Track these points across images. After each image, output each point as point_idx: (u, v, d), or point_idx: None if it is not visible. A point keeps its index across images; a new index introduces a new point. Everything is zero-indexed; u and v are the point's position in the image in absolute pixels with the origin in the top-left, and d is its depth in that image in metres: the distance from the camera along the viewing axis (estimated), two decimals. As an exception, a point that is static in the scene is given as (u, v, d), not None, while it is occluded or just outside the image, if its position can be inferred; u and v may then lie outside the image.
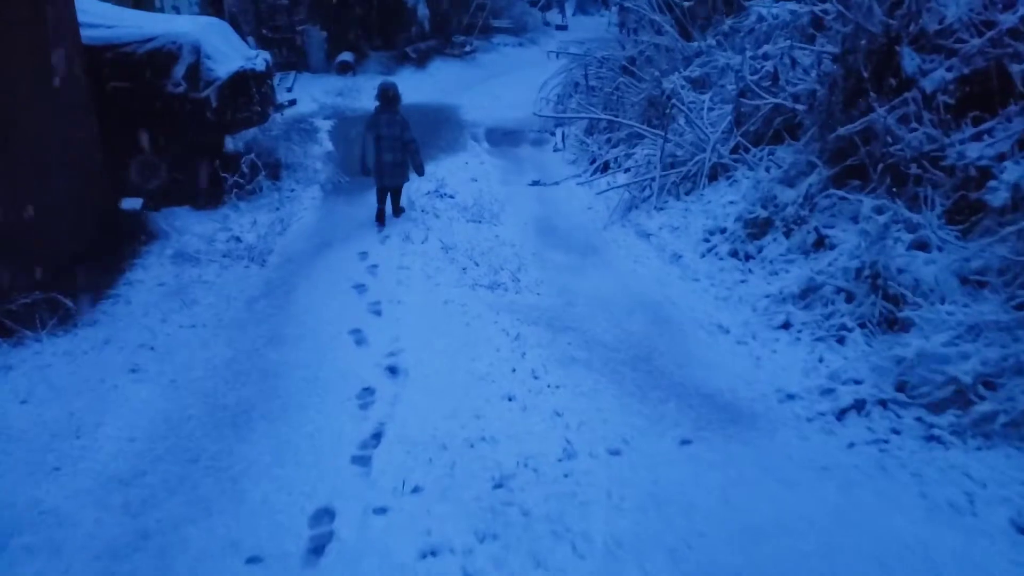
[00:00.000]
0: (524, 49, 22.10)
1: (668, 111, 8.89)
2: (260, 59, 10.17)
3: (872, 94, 5.58)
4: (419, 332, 5.60)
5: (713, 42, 10.49)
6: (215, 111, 9.04)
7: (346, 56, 18.99)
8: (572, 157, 11.65)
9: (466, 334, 5.55)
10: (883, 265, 4.75)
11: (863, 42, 5.89)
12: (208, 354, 5.46)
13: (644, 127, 8.96)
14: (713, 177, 7.91)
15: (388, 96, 8.35)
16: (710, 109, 9.26)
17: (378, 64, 19.27)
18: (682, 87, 9.97)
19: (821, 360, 4.70)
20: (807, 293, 5.26)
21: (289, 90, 17.51)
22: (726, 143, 8.08)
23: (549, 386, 4.68)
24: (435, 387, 4.73)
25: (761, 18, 10.35)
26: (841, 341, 4.78)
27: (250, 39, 19.00)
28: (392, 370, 5.02)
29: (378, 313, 6.07)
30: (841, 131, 5.70)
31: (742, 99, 8.11)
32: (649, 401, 4.55)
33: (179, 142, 9.09)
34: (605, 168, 10.28)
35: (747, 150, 7.97)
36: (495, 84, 17.88)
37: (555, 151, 12.36)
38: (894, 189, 5.49)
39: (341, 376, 5.04)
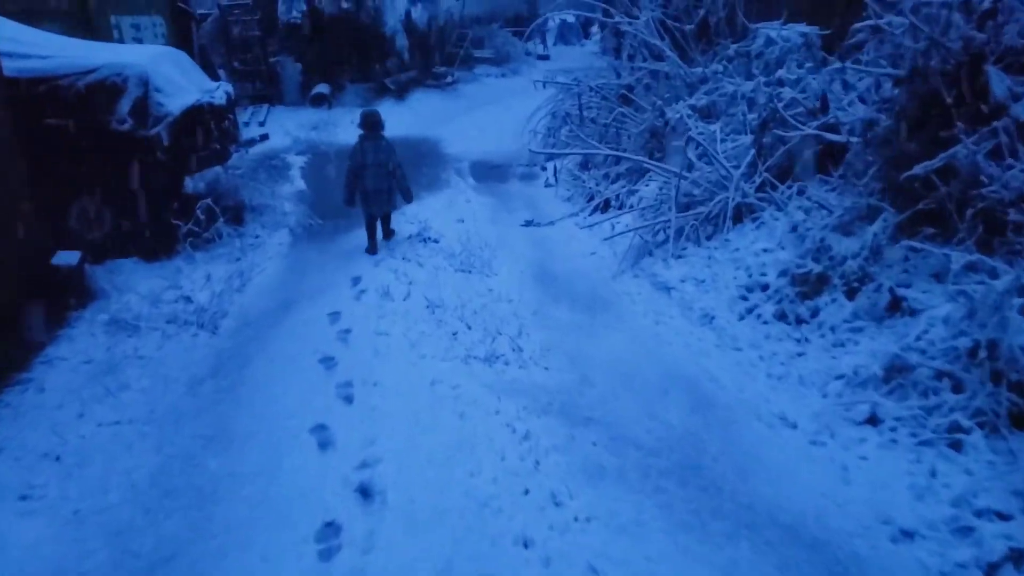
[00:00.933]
0: (507, 79, 21.04)
1: (683, 144, 7.71)
2: (220, 91, 8.93)
3: (957, 124, 4.42)
4: (400, 428, 4.33)
5: (719, 67, 9.37)
6: (167, 150, 7.80)
7: (322, 88, 17.80)
8: (566, 193, 10.46)
9: (461, 430, 4.29)
10: (1007, 345, 3.56)
11: (934, 62, 4.74)
12: (130, 464, 4.17)
13: (656, 163, 7.78)
14: (737, 219, 6.73)
15: (371, 122, 7.90)
16: (721, 140, 8.13)
17: (356, 96, 18.09)
18: (688, 116, 8.84)
19: (934, 475, 3.48)
20: (893, 375, 4.06)
21: (262, 124, 16.30)
22: (748, 179, 6.91)
23: (577, 519, 3.42)
24: (422, 521, 3.46)
25: (770, 41, 9.26)
26: (957, 447, 3.58)
27: (221, 71, 17.79)
28: (365, 492, 3.75)
29: (349, 399, 4.80)
30: (918, 169, 4.52)
31: (767, 130, 6.96)
32: (712, 539, 3.31)
33: (125, 186, 7.83)
34: (606, 207, 9.10)
35: (773, 187, 6.82)
36: (479, 116, 16.74)
37: (547, 187, 11.18)
38: (986, 239, 4.31)
39: (299, 497, 3.77)
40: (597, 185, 9.71)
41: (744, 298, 5.50)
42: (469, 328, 5.86)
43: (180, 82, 8.28)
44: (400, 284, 7.00)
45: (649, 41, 9.67)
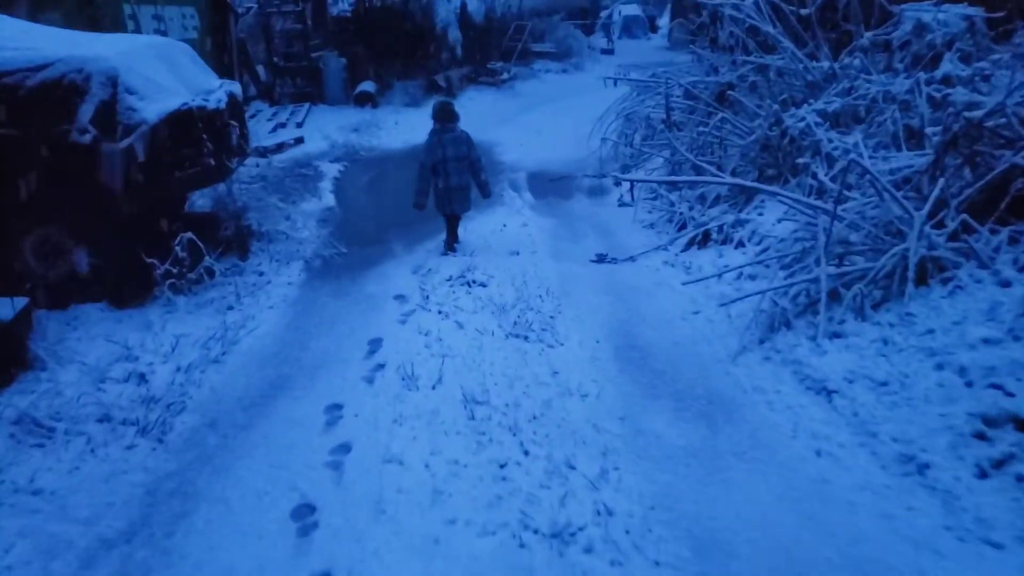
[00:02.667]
0: (569, 76, 18.85)
1: (813, 163, 5.50)
2: (220, 92, 6.99)
3: None
4: None
5: (855, 61, 7.07)
6: (143, 168, 5.89)
7: (366, 86, 15.88)
8: (647, 217, 8.29)
9: None
10: None
11: None
12: None
13: (796, 196, 5.53)
14: (920, 279, 4.49)
15: (447, 112, 7.12)
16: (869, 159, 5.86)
17: (403, 94, 16.13)
18: (816, 125, 6.58)
19: None
20: None
21: (299, 125, 14.45)
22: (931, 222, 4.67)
23: None
24: None
25: (921, 27, 6.94)
26: None
27: (260, 68, 16.01)
28: None
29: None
30: None
31: (955, 148, 4.70)
32: None
33: (91, 213, 5.98)
34: (705, 240, 6.87)
35: (968, 231, 4.57)
36: (537, 116, 14.61)
37: (621, 206, 9.01)
38: None
39: None
40: (690, 209, 7.48)
41: (981, 436, 3.28)
42: (526, 454, 3.77)
43: (165, 81, 6.36)
44: (430, 358, 4.95)
45: (762, 28, 7.40)
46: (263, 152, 12.07)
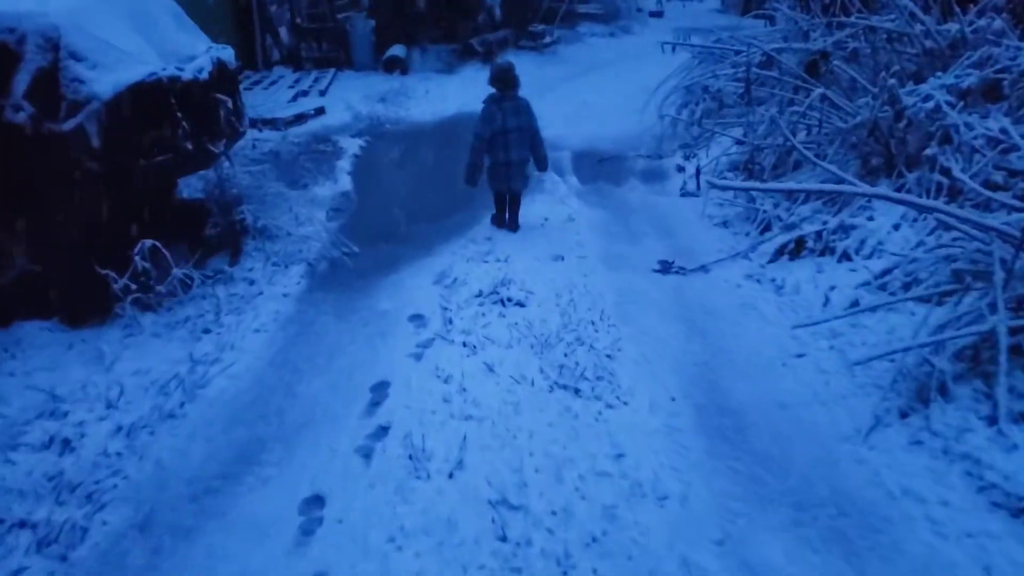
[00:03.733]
0: (616, 40, 17.22)
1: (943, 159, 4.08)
2: (205, 59, 5.70)
3: None
4: None
5: (995, 23, 5.54)
6: (97, 154, 4.65)
7: (396, 51, 14.48)
8: (718, 211, 6.85)
9: None
10: None
11: None
12: None
13: (967, 214, 4.04)
14: None
15: (508, 78, 6.09)
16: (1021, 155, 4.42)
17: (436, 60, 14.72)
18: (946, 104, 5.10)
19: None
20: None
21: (323, 93, 13.13)
22: None
23: None
24: None
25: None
26: None
27: (282, 30, 14.69)
28: None
29: None
30: None
31: None
32: None
33: (33, 210, 4.78)
34: (798, 248, 5.44)
35: None
36: (582, 85, 13.09)
37: (684, 195, 7.56)
38: None
39: None
40: (775, 206, 6.04)
41: None
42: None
43: (128, 44, 5.08)
44: (449, 420, 3.68)
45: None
46: (280, 125, 10.81)
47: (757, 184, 5.46)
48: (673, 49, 10.09)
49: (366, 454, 3.51)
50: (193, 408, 3.99)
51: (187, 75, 5.26)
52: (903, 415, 3.39)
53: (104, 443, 3.59)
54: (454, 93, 12.99)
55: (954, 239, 4.09)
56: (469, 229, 6.87)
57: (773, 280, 5.23)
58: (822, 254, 5.30)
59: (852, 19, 6.38)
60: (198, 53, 5.81)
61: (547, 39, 15.64)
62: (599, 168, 8.85)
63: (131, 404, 3.93)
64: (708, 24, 15.69)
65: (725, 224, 6.55)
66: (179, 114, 5.16)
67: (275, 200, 7.19)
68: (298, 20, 14.80)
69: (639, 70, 13.64)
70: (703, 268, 5.73)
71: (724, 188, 5.98)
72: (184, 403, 4.00)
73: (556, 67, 14.81)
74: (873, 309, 3.98)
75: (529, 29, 15.66)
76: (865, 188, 3.80)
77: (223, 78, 5.93)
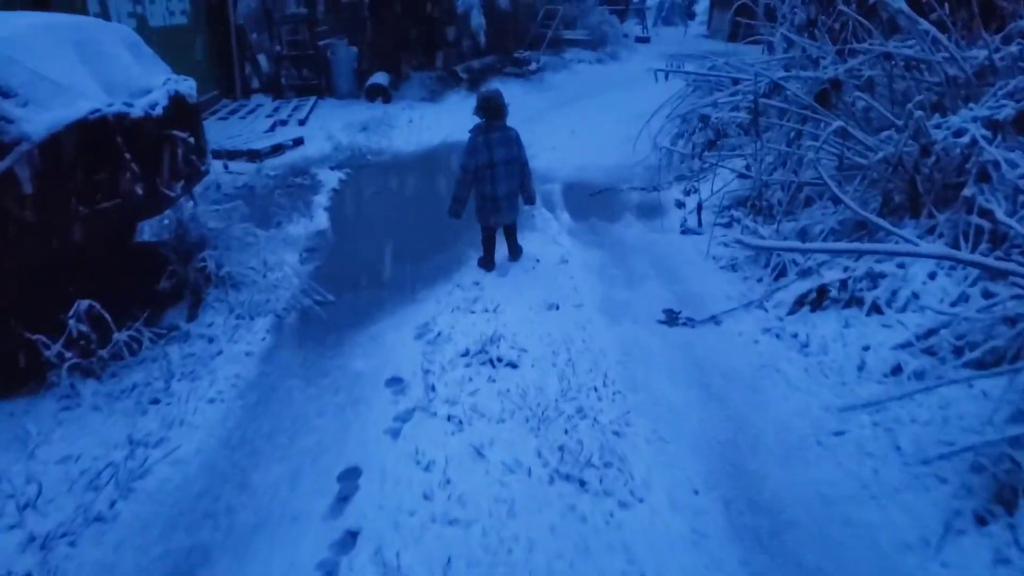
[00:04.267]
0: (604, 66, 16.77)
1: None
2: (161, 92, 5.07)
3: None
4: None
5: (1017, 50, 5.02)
6: (30, 202, 4.03)
7: (379, 78, 13.93)
8: (724, 252, 6.26)
9: None
10: None
11: None
12: None
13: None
14: None
15: (495, 107, 5.59)
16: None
17: (420, 87, 14.17)
18: (983, 138, 4.56)
19: None
20: None
21: (302, 122, 12.53)
22: None
23: None
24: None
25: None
26: None
27: (261, 57, 14.11)
28: None
29: None
30: None
31: None
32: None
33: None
34: (820, 298, 4.86)
35: None
36: (570, 114, 12.56)
37: (684, 233, 6.98)
38: None
39: None
40: (790, 251, 5.46)
41: None
42: None
43: (71, 78, 4.48)
44: (430, 525, 3.05)
45: (893, 5, 5.32)
46: (256, 156, 10.19)
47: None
48: (666, 77, 9.56)
49: (330, 571, 2.85)
50: (127, 507, 3.33)
51: (137, 111, 4.63)
52: (981, 521, 2.78)
53: (9, 561, 2.92)
54: (438, 122, 12.45)
55: (1013, 295, 3.50)
56: (455, 271, 6.26)
57: (795, 336, 4.63)
58: (848, 305, 4.71)
59: (867, 45, 5.83)
60: (154, 86, 5.19)
61: (533, 66, 15.15)
62: (591, 202, 8.27)
63: (51, 504, 3.27)
64: (696, 50, 15.25)
65: (733, 267, 5.96)
66: (127, 155, 4.52)
67: (244, 242, 6.53)
68: (278, 47, 14.22)
69: (628, 97, 13.16)
70: (714, 319, 5.14)
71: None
72: (116, 501, 3.34)
73: (543, 94, 14.30)
74: (927, 389, 3.37)
75: (515, 55, 15.17)
76: (928, 248, 3.19)
77: (182, 113, 5.31)
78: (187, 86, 5.47)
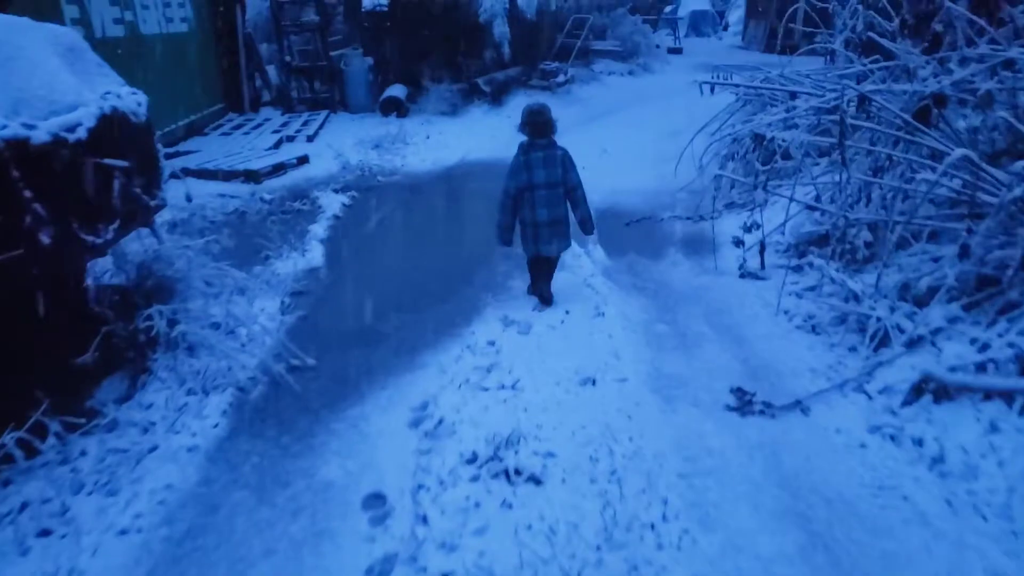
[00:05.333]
0: (635, 79, 15.51)
1: None
2: (91, 110, 3.89)
3: None
4: None
5: None
6: None
7: (395, 91, 12.79)
8: (797, 304, 4.98)
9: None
10: None
11: None
12: None
13: None
14: None
15: (541, 122, 4.88)
16: None
17: (439, 100, 13.00)
18: None
19: None
20: None
21: (311, 139, 11.40)
22: None
23: None
24: None
25: None
26: None
27: (270, 68, 13.02)
28: None
29: None
30: None
31: None
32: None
33: None
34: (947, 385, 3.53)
35: None
36: (601, 130, 11.30)
37: (743, 276, 5.68)
38: None
39: None
40: (892, 310, 4.16)
41: None
42: None
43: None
44: None
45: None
46: (254, 177, 9.06)
47: None
48: (712, 90, 8.28)
49: None
50: None
51: (42, 135, 3.44)
52: None
53: None
54: (457, 138, 11.27)
55: None
56: (466, 326, 5.05)
57: (919, 443, 3.33)
58: (989, 396, 3.38)
59: (981, 50, 4.51)
60: (86, 101, 4.00)
61: (560, 78, 13.92)
62: (628, 234, 7.01)
63: None
64: (729, 60, 13.95)
65: (814, 328, 4.66)
66: (27, 192, 3.34)
67: (215, 287, 5.34)
68: (288, 58, 13.13)
69: (663, 112, 11.94)
70: (799, 406, 3.85)
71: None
72: None
73: (571, 108, 13.04)
74: None
75: (541, 67, 13.95)
76: None
77: (123, 135, 4.13)
78: (133, 101, 4.29)
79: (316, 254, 6.59)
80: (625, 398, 3.98)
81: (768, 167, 5.54)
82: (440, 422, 3.78)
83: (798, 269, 5.53)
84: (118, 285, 4.74)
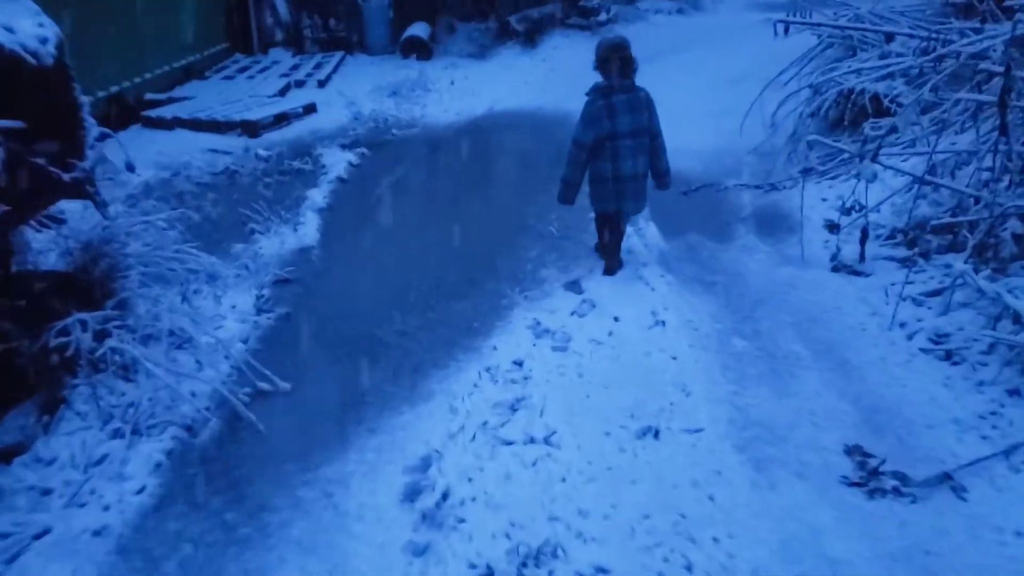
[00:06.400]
0: (686, 18, 13.96)
1: None
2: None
3: None
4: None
5: None
6: None
7: (416, 30, 11.49)
8: (915, 313, 3.73)
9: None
10: None
11: None
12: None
13: None
14: None
15: (622, 58, 4.05)
16: None
17: (466, 41, 11.68)
18: None
19: None
20: None
21: (322, 84, 10.19)
22: None
23: None
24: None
25: None
26: None
27: (280, 2, 11.76)
28: None
29: None
30: None
31: None
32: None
33: None
34: None
35: None
36: (649, 76, 9.78)
37: (836, 269, 4.45)
38: None
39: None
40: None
41: None
42: None
43: None
44: None
45: None
46: (252, 129, 7.93)
47: None
48: (786, 31, 6.90)
49: None
50: None
51: None
52: None
53: None
54: (486, 85, 9.99)
55: None
56: (488, 333, 3.97)
57: None
58: None
59: None
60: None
61: (602, 16, 12.45)
62: (686, 205, 5.79)
63: None
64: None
65: (949, 355, 3.46)
66: None
67: (178, 275, 4.27)
68: (300, -7, 11.84)
69: (719, 57, 10.49)
70: (948, 482, 2.69)
71: None
72: None
73: (613, 51, 11.62)
74: None
75: (580, 4, 12.48)
76: None
77: (15, 85, 2.99)
78: (31, 37, 3.14)
79: (310, 228, 5.49)
80: (701, 462, 2.86)
81: (883, 131, 4.25)
82: (444, 497, 2.71)
83: (908, 263, 4.29)
84: (50, 273, 3.70)
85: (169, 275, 4.26)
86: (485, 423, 3.14)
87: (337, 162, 7.02)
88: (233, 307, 4.26)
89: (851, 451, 2.93)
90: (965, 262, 3.67)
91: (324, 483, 2.90)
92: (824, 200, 5.51)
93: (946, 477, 2.74)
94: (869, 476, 2.78)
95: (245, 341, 3.94)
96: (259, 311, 4.27)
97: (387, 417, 3.31)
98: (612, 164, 4.15)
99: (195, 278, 4.48)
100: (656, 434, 3.04)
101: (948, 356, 3.45)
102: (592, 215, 5.23)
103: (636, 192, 4.27)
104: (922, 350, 3.56)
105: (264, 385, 3.55)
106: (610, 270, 4.47)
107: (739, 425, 3.11)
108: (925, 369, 3.43)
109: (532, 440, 3.00)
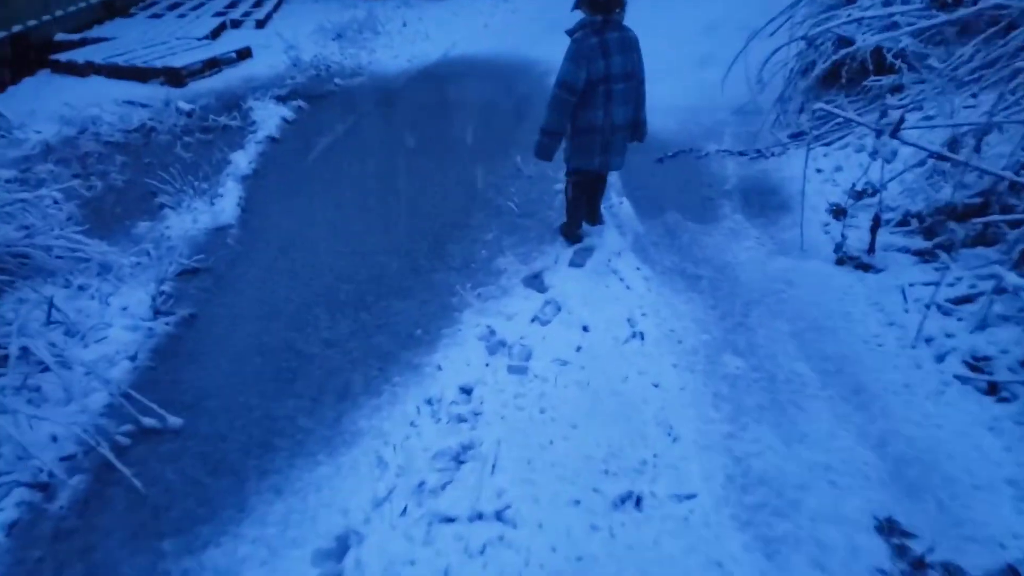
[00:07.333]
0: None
1: None
2: None
3: None
4: None
5: None
6: None
7: (367, -37, 10.35)
8: (943, 325, 3.09)
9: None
10: None
11: None
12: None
13: None
14: None
15: None
16: None
17: (423, -23, 10.58)
18: None
19: None
20: None
21: (260, 24, 9.14)
22: None
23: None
24: None
25: None
26: None
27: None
28: None
29: None
30: None
31: None
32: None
33: None
34: None
35: None
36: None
37: (842, 262, 3.76)
38: None
39: None
40: None
41: None
42: None
43: None
44: None
45: None
46: (176, 78, 6.94)
47: None
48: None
49: None
50: None
51: None
52: None
53: None
54: (442, 27, 9.04)
55: None
56: (432, 346, 3.25)
57: None
58: None
59: None
60: None
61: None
62: (662, 175, 5.06)
63: None
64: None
65: (993, 388, 2.82)
66: None
67: (63, 266, 3.45)
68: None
69: (699, 3, 9.60)
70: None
71: None
72: None
73: (581, -9, 10.65)
74: None
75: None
76: None
77: None
78: None
79: (230, 202, 4.64)
80: (696, 546, 2.20)
81: (906, 101, 3.52)
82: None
83: (928, 256, 3.64)
84: None
85: (53, 265, 3.44)
86: (421, 484, 2.44)
87: (269, 117, 6.12)
88: (124, 309, 3.46)
89: (884, 527, 2.29)
90: (1006, 268, 3.00)
91: (208, 577, 2.18)
92: (819, 171, 4.81)
93: (1012, 573, 2.11)
94: (913, 570, 2.14)
95: (133, 358, 3.16)
96: (156, 313, 3.47)
97: (299, 469, 2.59)
98: (604, 111, 3.49)
99: (84, 269, 3.67)
100: (638, 502, 2.37)
101: (992, 390, 2.80)
102: (559, 186, 4.50)
103: (623, 144, 3.72)
104: (957, 378, 2.92)
105: (150, 421, 2.79)
106: (575, 236, 4.01)
107: (739, 485, 2.46)
108: (963, 405, 2.79)
109: (480, 516, 2.31)
